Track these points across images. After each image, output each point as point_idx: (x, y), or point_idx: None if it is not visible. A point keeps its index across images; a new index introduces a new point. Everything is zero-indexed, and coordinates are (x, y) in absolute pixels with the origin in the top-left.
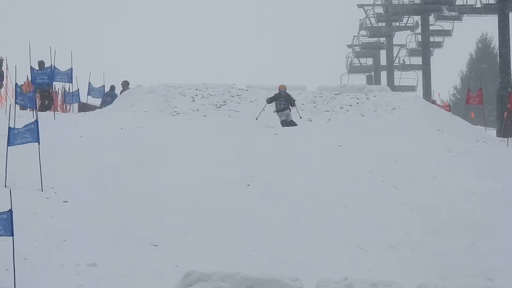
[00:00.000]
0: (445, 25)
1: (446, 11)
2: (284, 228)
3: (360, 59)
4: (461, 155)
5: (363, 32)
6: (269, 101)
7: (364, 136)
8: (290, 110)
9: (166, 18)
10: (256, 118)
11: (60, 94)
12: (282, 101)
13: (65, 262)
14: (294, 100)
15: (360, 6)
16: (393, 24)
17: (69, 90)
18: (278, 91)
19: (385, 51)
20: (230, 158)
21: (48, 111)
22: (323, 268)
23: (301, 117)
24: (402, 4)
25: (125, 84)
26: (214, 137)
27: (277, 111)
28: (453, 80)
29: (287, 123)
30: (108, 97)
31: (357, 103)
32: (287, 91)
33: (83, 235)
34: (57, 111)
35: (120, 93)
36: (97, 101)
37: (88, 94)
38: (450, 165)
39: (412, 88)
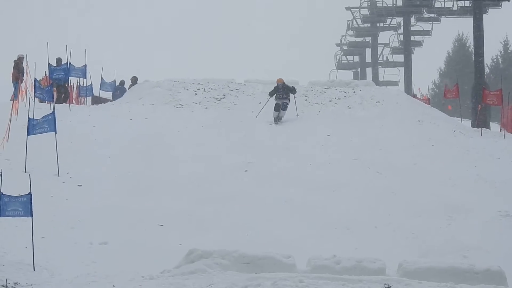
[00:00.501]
0: (425, 25)
1: (425, 13)
2: (278, 210)
3: (347, 56)
4: (439, 144)
5: (350, 32)
6: (271, 94)
7: (351, 126)
8: (289, 101)
9: (171, 19)
10: (256, 117)
11: (75, 88)
12: (281, 91)
13: (79, 241)
14: (294, 88)
15: (348, 8)
16: (378, 25)
17: (83, 84)
18: (276, 85)
19: (370, 49)
20: (229, 146)
21: (64, 103)
22: (314, 247)
23: (297, 115)
24: (385, 7)
25: (134, 80)
26: (215, 127)
27: (277, 99)
28: (432, 76)
29: (279, 105)
30: (117, 90)
31: (345, 96)
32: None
33: (95, 216)
34: (72, 103)
35: (129, 88)
36: (108, 95)
37: (100, 88)
38: (429, 153)
39: (394, 83)
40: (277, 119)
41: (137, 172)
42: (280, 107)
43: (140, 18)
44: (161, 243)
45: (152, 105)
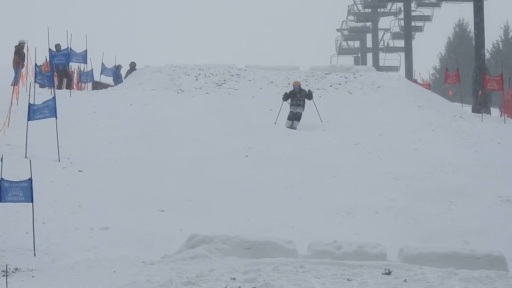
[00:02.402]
0: (426, 11)
1: None
2: (279, 195)
3: (348, 42)
4: (440, 129)
5: (351, 17)
6: (285, 98)
7: (351, 111)
8: (303, 109)
9: (172, 4)
10: (275, 123)
11: (75, 74)
12: (298, 96)
13: (80, 226)
14: (311, 93)
15: None
16: (378, 10)
17: (84, 70)
18: (292, 88)
19: (371, 34)
20: (230, 131)
21: (69, 88)
22: (314, 232)
23: (322, 121)
24: None
25: (133, 65)
26: (215, 112)
27: (292, 105)
28: (433, 61)
29: (294, 114)
30: (115, 75)
31: (346, 81)
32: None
33: (96, 201)
34: (73, 89)
35: (127, 73)
36: (109, 80)
37: (101, 73)
38: (430, 138)
39: (395, 69)
40: (290, 126)
41: (138, 157)
42: (294, 117)
43: (141, 3)
44: (162, 228)
45: (153, 90)
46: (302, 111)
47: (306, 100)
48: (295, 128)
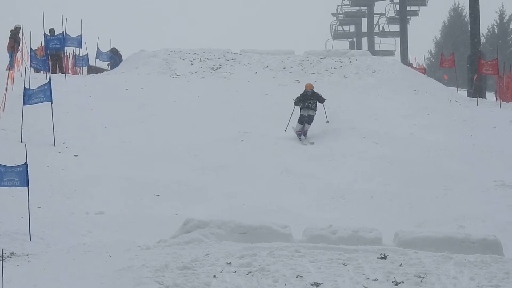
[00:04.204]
0: None
1: None
2: (274, 180)
3: (343, 26)
4: (435, 113)
5: (346, 2)
6: (297, 103)
7: (347, 96)
8: (315, 113)
9: None
10: (285, 130)
11: (71, 58)
12: (310, 100)
13: (75, 211)
14: (323, 98)
15: None
16: None
17: (79, 54)
18: (304, 91)
19: (366, 19)
20: (225, 116)
21: (60, 73)
22: (310, 216)
23: (328, 121)
24: None
25: (114, 51)
26: (211, 97)
27: (303, 108)
28: (428, 45)
29: (306, 118)
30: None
31: (341, 66)
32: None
33: (91, 186)
34: (68, 73)
35: (110, 60)
36: (104, 64)
37: (96, 58)
38: (425, 122)
39: (390, 53)
40: (302, 133)
41: (133, 142)
42: (305, 120)
43: None
44: (157, 213)
45: (148, 74)
46: (314, 114)
47: (317, 103)
48: (306, 132)
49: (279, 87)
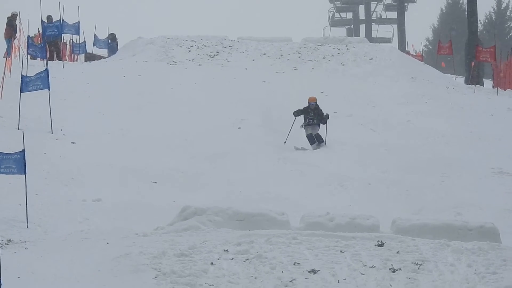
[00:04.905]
0: None
1: None
2: (272, 167)
3: (341, 13)
4: (433, 100)
5: None
6: (297, 114)
7: (344, 83)
8: (319, 126)
9: None
10: (284, 142)
11: (68, 45)
12: (312, 115)
13: (72, 198)
14: (326, 118)
15: None
16: None
17: (76, 41)
18: (307, 105)
19: (363, 6)
20: (222, 103)
21: (57, 60)
22: (307, 204)
23: (325, 143)
24: None
25: (113, 37)
26: (208, 84)
27: (305, 125)
28: (426, 32)
29: (314, 137)
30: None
31: (338, 53)
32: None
33: (89, 173)
34: (66, 60)
35: (108, 46)
36: (101, 52)
37: (94, 45)
38: (423, 109)
39: (388, 40)
40: (315, 147)
41: (131, 129)
42: (315, 139)
43: None
44: (155, 200)
45: (146, 62)
46: (318, 131)
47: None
48: (320, 146)
49: (277, 75)
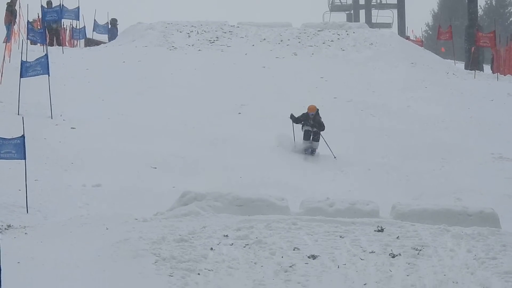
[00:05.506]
0: None
1: None
2: (272, 153)
3: None
4: (433, 86)
5: None
6: (294, 120)
7: (344, 69)
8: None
9: None
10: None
11: (68, 31)
12: (311, 123)
13: (72, 183)
14: (323, 126)
15: None
16: None
17: (76, 27)
18: (306, 112)
19: None
20: (222, 88)
21: (57, 45)
22: (307, 189)
23: (335, 157)
24: None
25: (114, 22)
26: (208, 69)
27: (306, 125)
28: (425, 17)
29: (309, 133)
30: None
31: (338, 38)
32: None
33: (88, 158)
34: (66, 46)
35: (109, 31)
36: (102, 37)
37: (94, 30)
38: (423, 95)
39: (388, 25)
40: (309, 151)
41: (130, 114)
42: (311, 137)
43: None
44: (154, 186)
45: (145, 47)
46: (319, 131)
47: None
48: (315, 151)
49: (276, 60)
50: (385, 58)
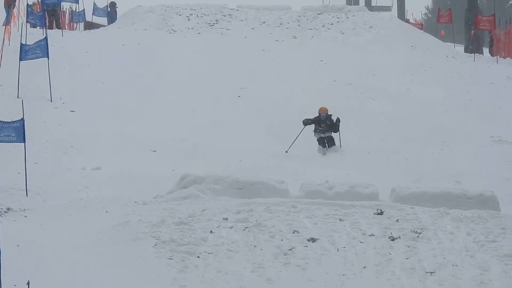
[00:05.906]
0: None
1: None
2: (271, 136)
3: None
4: (432, 69)
5: None
6: (306, 123)
7: (344, 52)
8: (330, 132)
9: None
10: (286, 151)
11: (67, 14)
12: (323, 126)
13: (72, 166)
14: (338, 124)
15: None
16: None
17: (75, 10)
18: (318, 115)
19: None
20: (222, 72)
21: (56, 28)
22: (306, 172)
23: (341, 147)
24: None
25: (113, 5)
26: (208, 53)
27: (318, 131)
28: (425, 0)
29: (325, 140)
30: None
31: (338, 22)
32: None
33: (88, 142)
34: (65, 29)
35: (108, 14)
36: (101, 20)
37: (93, 13)
38: (422, 78)
39: (387, 8)
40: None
41: (130, 97)
42: (326, 143)
43: None
44: (154, 169)
45: (145, 30)
46: (331, 134)
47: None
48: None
49: (276, 43)
50: (385, 42)
